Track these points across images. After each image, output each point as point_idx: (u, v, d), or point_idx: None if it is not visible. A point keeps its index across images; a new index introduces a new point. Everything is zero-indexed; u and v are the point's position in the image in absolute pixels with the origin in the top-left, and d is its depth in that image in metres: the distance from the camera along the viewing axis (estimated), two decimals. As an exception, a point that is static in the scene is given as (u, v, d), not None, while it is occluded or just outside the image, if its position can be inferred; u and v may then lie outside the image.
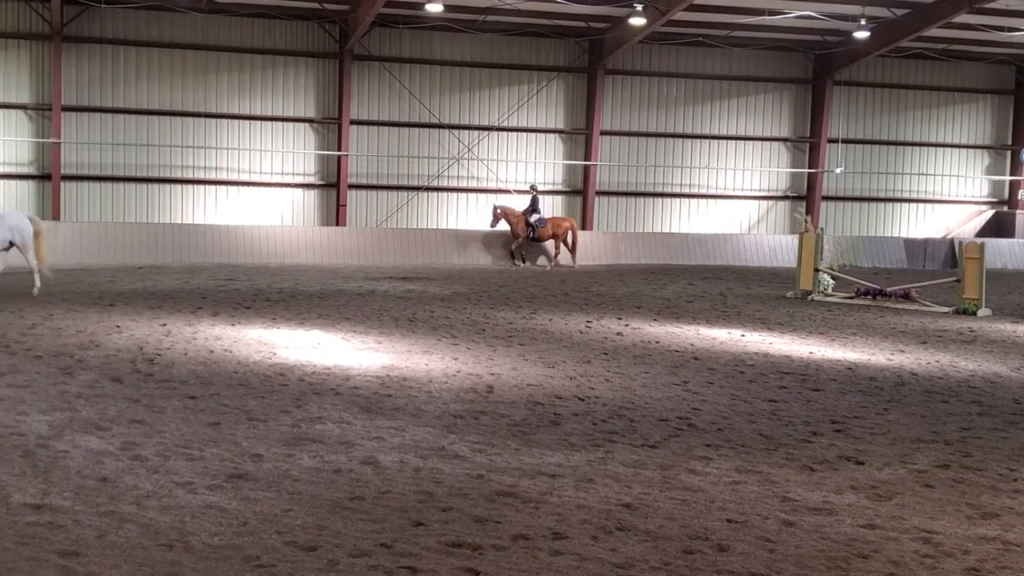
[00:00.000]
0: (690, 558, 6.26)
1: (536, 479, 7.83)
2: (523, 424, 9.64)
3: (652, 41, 30.61)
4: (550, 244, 28.57)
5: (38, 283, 18.35)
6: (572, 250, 28.29)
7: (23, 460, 7.86)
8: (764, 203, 33.18)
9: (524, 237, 27.96)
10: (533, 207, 28.17)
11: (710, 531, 6.74)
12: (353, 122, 29.05)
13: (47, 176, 26.88)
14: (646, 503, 7.33)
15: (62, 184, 26.89)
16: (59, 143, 26.69)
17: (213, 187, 28.45)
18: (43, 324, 14.72)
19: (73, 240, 25.93)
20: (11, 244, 18.14)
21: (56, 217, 26.60)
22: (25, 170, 27.00)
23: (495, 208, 27.96)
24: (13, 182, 26.88)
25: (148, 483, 7.42)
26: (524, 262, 28.27)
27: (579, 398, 10.90)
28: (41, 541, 6.18)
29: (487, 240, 29.13)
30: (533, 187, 28.92)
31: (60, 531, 6.36)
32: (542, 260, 28.66)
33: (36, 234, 18.51)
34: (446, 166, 30.03)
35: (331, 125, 29.01)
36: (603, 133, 31.09)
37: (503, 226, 28.00)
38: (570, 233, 28.27)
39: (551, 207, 30.99)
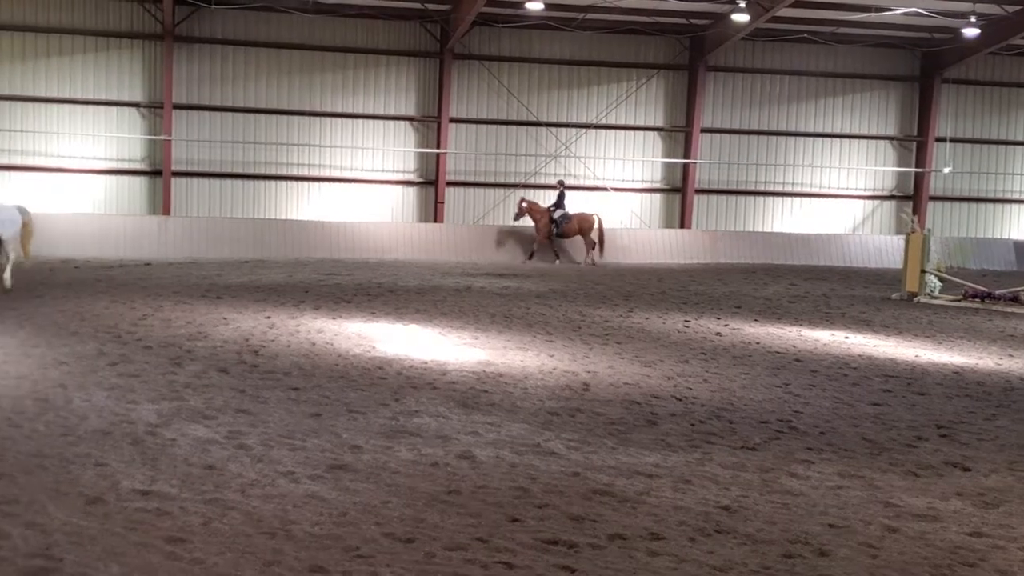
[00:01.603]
0: (790, 562, 6.17)
1: (633, 478, 7.79)
2: (619, 423, 9.60)
3: (755, 38, 30.19)
4: (573, 241, 28.31)
5: (9, 281, 16.94)
6: (599, 246, 27.93)
7: (132, 447, 8.10)
8: (869, 203, 32.48)
9: (547, 233, 27.75)
10: (559, 203, 27.93)
11: (811, 536, 6.63)
12: (452, 120, 29.26)
13: (158, 172, 27.65)
14: (745, 506, 7.24)
15: (172, 180, 27.64)
16: (170, 140, 27.43)
17: (316, 184, 28.94)
18: (153, 315, 15.15)
19: (182, 235, 26.69)
20: None
21: (166, 212, 27.37)
22: (137, 166, 27.82)
23: (521, 201, 27.84)
24: (126, 178, 27.72)
25: (252, 472, 7.58)
26: (552, 260, 28.00)
27: (677, 398, 10.81)
28: (149, 527, 6.35)
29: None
30: (561, 182, 28.64)
31: (167, 517, 6.54)
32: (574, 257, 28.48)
33: (24, 225, 17.46)
34: (543, 164, 30.05)
35: (431, 123, 29.27)
36: (704, 130, 30.78)
37: (527, 220, 27.94)
38: (595, 229, 27.91)
39: (648, 204, 30.81)
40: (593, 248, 27.87)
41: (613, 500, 7.25)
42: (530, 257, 27.82)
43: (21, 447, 7.96)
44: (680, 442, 8.97)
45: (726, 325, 16.56)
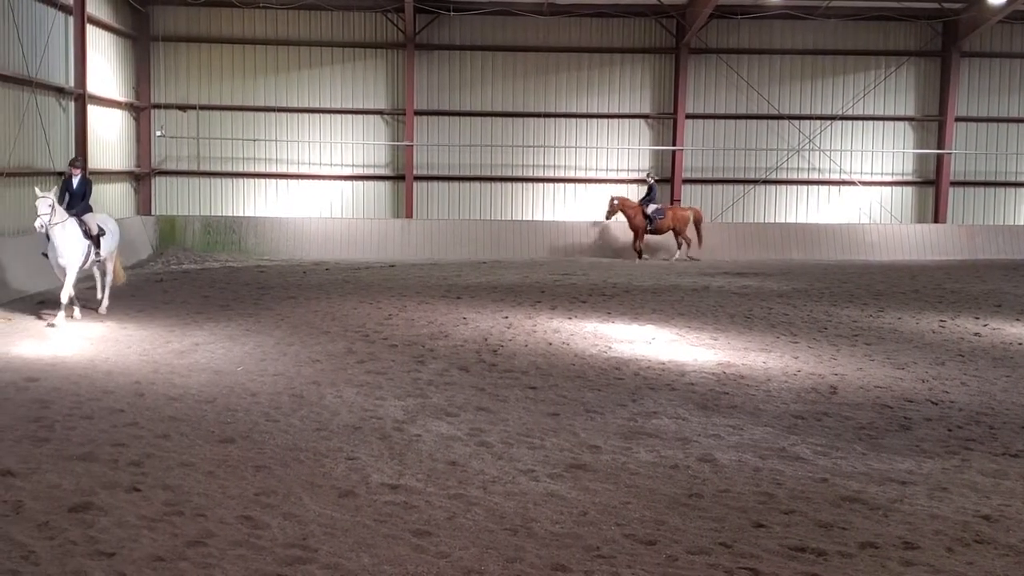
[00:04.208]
0: (1061, 580, 5.73)
1: (885, 485, 7.45)
2: (870, 427, 9.21)
3: (1014, 20, 28.31)
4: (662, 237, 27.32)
5: (107, 301, 15.53)
6: (697, 241, 26.73)
7: (381, 442, 8.40)
8: None
9: (642, 229, 26.63)
10: (650, 197, 26.76)
11: (1085, 551, 6.14)
12: (688, 116, 28.89)
13: (400, 177, 28.68)
14: (1007, 515, 6.82)
15: (414, 184, 28.60)
16: (412, 146, 28.41)
17: (551, 184, 29.22)
18: (398, 315, 15.70)
19: (423, 237, 27.62)
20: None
21: (408, 215, 28.34)
22: (381, 171, 28.95)
23: (612, 199, 26.88)
24: (371, 183, 28.89)
25: (493, 469, 7.71)
26: (642, 256, 26.90)
27: (932, 402, 10.27)
28: (397, 520, 6.55)
29: (832, 232, 28.17)
30: (649, 175, 27.49)
31: (414, 511, 6.73)
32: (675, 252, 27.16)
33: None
34: (785, 158, 29.23)
35: (666, 120, 29.02)
36: (958, 119, 29.11)
37: (618, 217, 26.99)
38: (692, 224, 26.60)
39: (899, 198, 29.43)
40: (688, 245, 26.78)
41: (864, 507, 6.96)
42: (640, 256, 26.95)
43: (278, 440, 8.39)
44: (936, 448, 8.53)
45: (985, 325, 15.61)
